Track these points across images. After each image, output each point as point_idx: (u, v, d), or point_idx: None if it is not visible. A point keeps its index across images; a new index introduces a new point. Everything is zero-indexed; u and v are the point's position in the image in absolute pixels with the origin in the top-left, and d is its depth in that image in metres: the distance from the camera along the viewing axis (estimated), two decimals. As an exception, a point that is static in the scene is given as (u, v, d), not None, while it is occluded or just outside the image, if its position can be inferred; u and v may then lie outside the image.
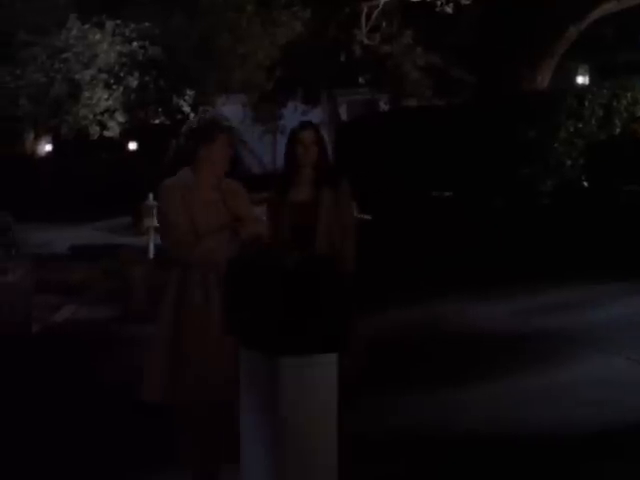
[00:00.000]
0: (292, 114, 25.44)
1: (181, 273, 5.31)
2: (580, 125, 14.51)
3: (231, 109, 29.26)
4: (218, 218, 5.38)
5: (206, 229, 5.32)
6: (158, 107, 23.86)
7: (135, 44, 22.88)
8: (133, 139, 32.01)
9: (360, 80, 23.63)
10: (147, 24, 21.66)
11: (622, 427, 6.45)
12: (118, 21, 22.78)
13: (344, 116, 30.04)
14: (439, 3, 17.41)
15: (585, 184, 13.92)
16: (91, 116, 22.93)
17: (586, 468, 5.72)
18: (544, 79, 16.10)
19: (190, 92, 22.44)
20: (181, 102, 23.53)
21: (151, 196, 18.50)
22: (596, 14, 15.76)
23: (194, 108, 25.79)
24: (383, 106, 26.36)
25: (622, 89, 14.81)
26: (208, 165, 5.45)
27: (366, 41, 18.50)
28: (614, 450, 6.05)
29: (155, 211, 18.53)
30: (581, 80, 27.00)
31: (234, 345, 4.76)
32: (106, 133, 23.55)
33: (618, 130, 14.31)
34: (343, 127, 22.66)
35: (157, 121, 25.32)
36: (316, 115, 26.11)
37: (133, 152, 33.15)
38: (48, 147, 35.25)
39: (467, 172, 15.48)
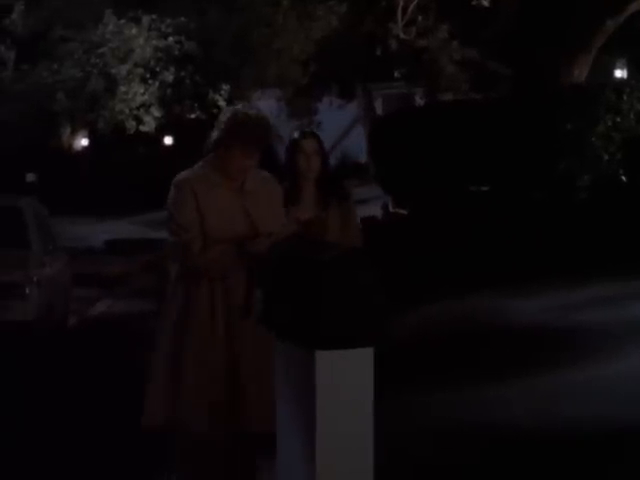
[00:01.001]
0: (327, 109, 25.50)
1: (186, 282, 4.89)
2: (618, 119, 14.37)
3: (266, 104, 29.29)
4: (233, 226, 4.79)
5: (218, 236, 4.76)
6: (194, 102, 23.99)
7: (171, 39, 23.00)
8: (169, 134, 32.14)
9: (396, 74, 23.57)
10: (183, 19, 21.74)
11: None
12: (154, 16, 22.90)
13: (379, 110, 29.98)
14: (476, -4, 17.34)
15: (623, 178, 13.79)
16: (127, 111, 23.09)
17: (621, 467, 5.67)
18: (582, 73, 15.95)
19: (226, 87, 22.52)
20: (217, 97, 23.63)
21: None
22: (634, 7, 15.59)
23: (230, 103, 25.88)
24: (419, 100, 26.28)
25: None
26: (230, 160, 4.81)
27: (402, 35, 18.42)
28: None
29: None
30: (619, 74, 26.80)
31: (241, 366, 4.80)
32: (142, 128, 23.70)
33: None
34: (379, 122, 22.58)
35: (193, 116, 25.44)
36: (351, 110, 26.14)
37: (169, 147, 33.28)
38: (85, 142, 35.47)
39: (505, 166, 15.37)
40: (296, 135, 5.68)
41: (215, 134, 4.87)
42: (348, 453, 3.65)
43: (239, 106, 4.99)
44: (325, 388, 3.60)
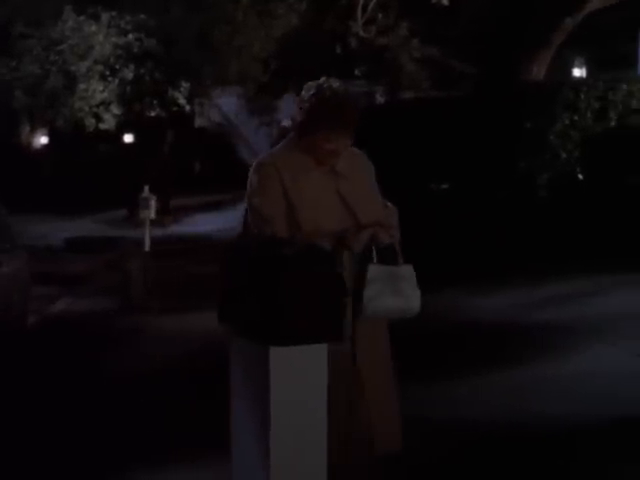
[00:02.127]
0: (288, 106, 25.45)
1: None
2: (576, 118, 14.51)
3: (227, 101, 29.30)
4: (329, 217, 4.03)
5: (311, 230, 3.97)
6: (153, 100, 23.91)
7: (131, 36, 22.90)
8: (129, 132, 32.01)
9: (356, 72, 23.62)
10: (143, 16, 21.67)
11: (621, 420, 6.46)
12: (113, 13, 22.79)
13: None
14: (436, -5, 17.44)
15: (580, 177, 13.94)
16: (87, 108, 22.97)
17: (583, 462, 5.73)
18: (540, 70, 16.10)
19: (186, 84, 22.46)
20: (176, 94, 23.56)
21: (147, 188, 18.49)
22: (593, 5, 15.76)
23: (190, 100, 25.83)
24: (379, 98, 26.37)
25: (618, 82, 14.81)
26: (318, 143, 4.05)
27: (362, 33, 18.49)
28: (612, 443, 6.05)
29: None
30: (578, 72, 27.02)
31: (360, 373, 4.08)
32: (102, 126, 23.58)
33: (613, 123, 14.30)
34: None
35: (153, 113, 25.36)
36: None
37: (129, 145, 33.15)
38: (44, 139, 35.22)
39: (465, 164, 15.48)
40: None
41: (298, 115, 4.10)
42: (302, 449, 3.66)
43: (322, 80, 4.10)
44: (280, 384, 3.62)
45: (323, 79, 4.08)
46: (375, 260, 4.00)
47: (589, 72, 26.34)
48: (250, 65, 20.30)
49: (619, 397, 6.96)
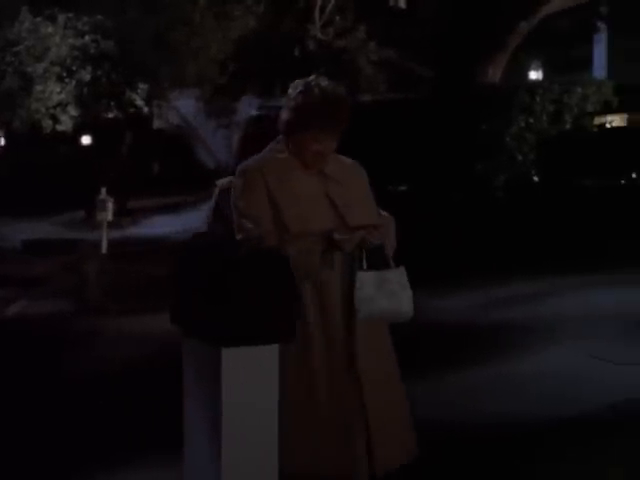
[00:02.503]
0: (246, 108, 25.44)
1: None
2: (531, 120, 14.65)
3: (185, 103, 29.18)
4: (316, 217, 3.90)
5: (298, 230, 3.86)
6: (110, 101, 23.77)
7: (87, 37, 22.77)
8: (87, 133, 31.83)
9: (314, 75, 23.64)
10: (99, 17, 21.56)
11: (572, 419, 6.53)
12: (70, 14, 22.65)
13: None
14: (392, -2, 17.54)
15: (535, 179, 14.07)
16: (43, 110, 22.78)
17: (534, 460, 5.78)
18: (496, 73, 16.23)
19: (143, 86, 22.36)
20: (134, 96, 23.45)
21: (104, 190, 18.43)
22: (548, 9, 15.91)
23: (148, 102, 25.73)
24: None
25: (573, 85, 14.97)
26: (305, 144, 3.92)
27: (320, 36, 18.54)
28: (564, 443, 6.11)
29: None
30: (534, 75, 27.27)
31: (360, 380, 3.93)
32: (58, 127, 23.42)
33: (568, 125, 14.46)
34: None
35: (110, 115, 25.21)
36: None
37: (87, 146, 32.95)
38: (1, 141, 34.93)
39: (423, 166, 15.57)
40: None
41: (285, 114, 3.94)
42: (253, 449, 3.68)
43: (311, 78, 3.95)
44: (231, 385, 3.64)
45: (312, 77, 3.96)
46: (365, 265, 3.91)
47: (545, 75, 26.59)
48: (207, 67, 20.28)
49: (571, 397, 7.04)
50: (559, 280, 11.47)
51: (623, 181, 12.61)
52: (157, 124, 31.35)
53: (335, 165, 4.04)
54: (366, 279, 3.89)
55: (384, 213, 4.16)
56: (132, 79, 22.50)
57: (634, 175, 12.45)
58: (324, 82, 3.93)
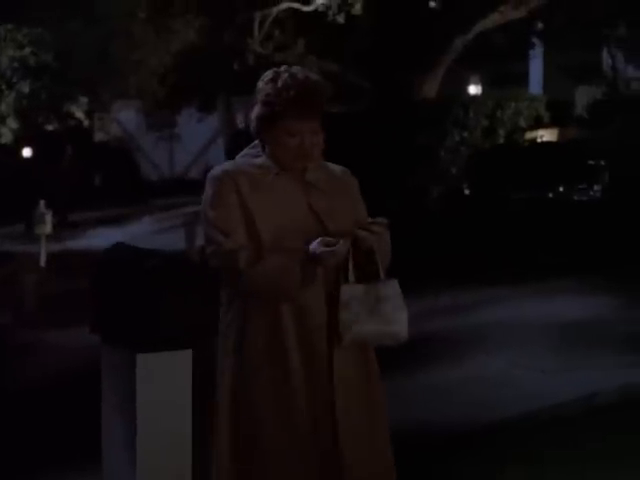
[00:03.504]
0: (187, 121, 25.55)
1: (239, 306, 3.44)
2: (465, 134, 14.91)
3: (127, 115, 29.20)
4: (296, 230, 3.40)
5: (276, 244, 3.38)
6: (50, 113, 23.73)
7: (27, 49, 22.74)
8: (28, 145, 31.66)
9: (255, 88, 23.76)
10: (39, 29, 21.55)
11: (495, 425, 6.69)
12: (10, 26, 22.62)
13: (242, 124, 30.17)
14: (330, 13, 17.72)
15: (466, 191, 14.32)
16: (-17, 122, 22.70)
17: (460, 465, 5.93)
18: (432, 87, 16.47)
19: (84, 98, 22.37)
20: (74, 108, 23.44)
21: (42, 203, 18.40)
22: (482, 25, 16.20)
23: (89, 114, 25.72)
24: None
25: (506, 100, 15.26)
26: (281, 140, 3.44)
27: (259, 49, 18.68)
28: (489, 448, 6.26)
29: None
30: (473, 90, 27.60)
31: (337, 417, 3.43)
32: (-2, 139, 23.34)
33: (502, 140, 14.74)
34: (235, 134, 22.81)
35: (51, 127, 25.17)
36: (212, 122, 26.24)
37: (28, 159, 32.75)
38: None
39: (359, 178, 15.74)
40: None
41: (255, 110, 3.50)
42: (168, 452, 3.79)
43: (282, 68, 3.52)
44: (145, 390, 3.75)
45: (283, 67, 3.53)
46: (352, 277, 3.40)
47: (484, 90, 26.93)
48: (147, 80, 20.33)
49: (493, 403, 7.21)
50: (487, 290, 11.67)
51: (551, 194, 12.90)
52: (100, 136, 31.29)
53: (320, 173, 3.54)
54: (352, 294, 3.39)
55: (380, 219, 3.54)
56: (72, 91, 22.49)
57: (561, 189, 12.75)
58: (295, 69, 3.50)
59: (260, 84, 3.50)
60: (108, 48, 20.63)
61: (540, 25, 21.42)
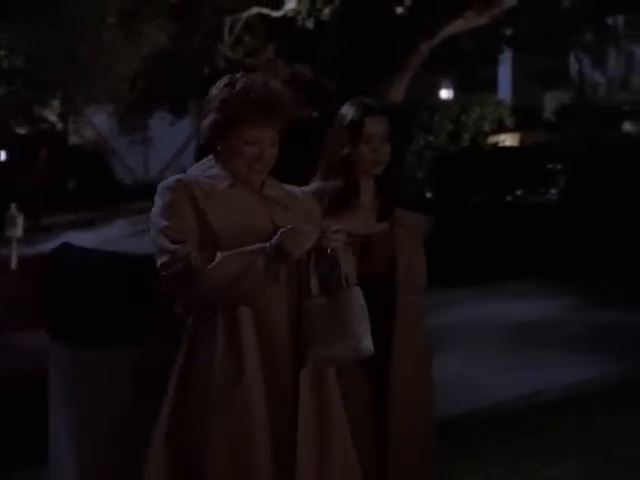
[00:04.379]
0: (159, 125, 25.63)
1: (194, 319, 3.25)
2: (431, 138, 15.11)
3: (100, 119, 29.27)
4: (255, 234, 3.19)
5: (232, 247, 3.14)
6: (22, 117, 23.82)
7: (1, 52, 22.83)
8: (1, 148, 31.69)
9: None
10: (8, 33, 21.63)
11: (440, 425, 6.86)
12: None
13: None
14: (300, 18, 17.90)
15: (428, 195, 14.51)
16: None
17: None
18: (398, 93, 16.64)
19: (55, 102, 22.45)
20: (46, 112, 23.53)
21: (13, 206, 18.49)
22: (448, 31, 16.39)
23: (62, 118, 25.79)
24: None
25: (471, 105, 15.48)
26: (235, 151, 3.25)
27: (229, 54, 18.82)
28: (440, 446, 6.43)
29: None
30: (445, 94, 27.85)
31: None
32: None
33: (466, 144, 14.96)
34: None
35: (22, 131, 25.25)
36: (185, 126, 26.35)
37: (3, 163, 32.77)
38: None
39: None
40: (353, 110, 3.80)
41: (208, 117, 3.29)
42: (111, 450, 3.92)
43: (238, 75, 3.32)
44: (88, 387, 3.90)
45: (239, 74, 3.33)
46: (315, 288, 3.21)
47: (456, 94, 27.18)
48: (117, 84, 20.45)
49: (443, 402, 7.38)
50: (447, 293, 11.86)
51: (510, 198, 13.11)
52: (73, 140, 31.35)
53: (279, 190, 3.37)
54: (314, 311, 3.17)
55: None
56: (44, 95, 22.58)
57: (519, 192, 12.97)
58: (254, 74, 3.33)
59: (214, 91, 3.30)
60: (77, 53, 20.74)
61: (509, 31, 21.69)
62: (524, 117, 17.63)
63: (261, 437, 3.13)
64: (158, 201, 3.28)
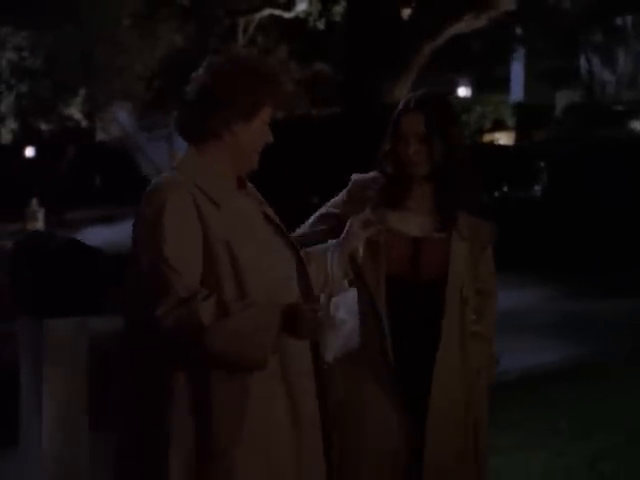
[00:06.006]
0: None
1: (194, 384, 2.63)
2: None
3: (126, 116, 29.94)
4: (285, 276, 2.75)
5: (258, 296, 2.66)
6: (48, 114, 24.51)
7: (25, 52, 23.51)
8: (29, 145, 32.43)
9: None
10: (35, 32, 22.27)
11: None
12: (9, 29, 23.41)
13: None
14: (311, 19, 18.48)
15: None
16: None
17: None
18: (402, 92, 17.09)
19: (77, 100, 23.11)
20: (71, 109, 24.23)
21: (34, 201, 19.15)
22: (452, 31, 16.85)
23: (88, 115, 26.48)
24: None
25: (473, 104, 15.93)
26: (265, 136, 2.80)
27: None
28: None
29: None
30: (462, 92, 28.25)
31: None
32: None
33: (467, 141, 15.43)
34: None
35: (48, 128, 25.95)
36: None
37: (31, 158, 33.51)
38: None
39: (333, 180, 16.39)
40: (401, 104, 3.42)
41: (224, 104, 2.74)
42: (70, 418, 4.43)
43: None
44: (51, 353, 4.48)
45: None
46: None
47: (473, 92, 27.58)
48: (133, 84, 21.07)
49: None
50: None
51: (497, 193, 13.55)
52: (101, 137, 32.04)
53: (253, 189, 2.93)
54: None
55: None
56: (63, 94, 23.24)
57: (505, 189, 13.43)
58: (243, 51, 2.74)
59: (199, 76, 2.89)
60: (94, 53, 21.39)
61: (519, 31, 22.14)
62: (531, 116, 18.02)
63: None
64: (149, 212, 2.61)
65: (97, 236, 24.51)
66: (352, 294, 3.11)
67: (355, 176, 3.52)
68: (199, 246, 2.57)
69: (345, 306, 3.05)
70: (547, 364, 8.20)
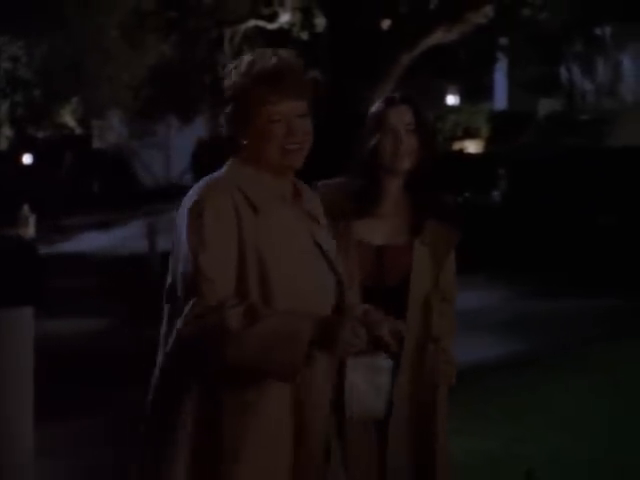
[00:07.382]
0: (167, 131, 26.71)
1: (211, 391, 2.56)
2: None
3: (121, 124, 30.39)
4: (321, 286, 2.65)
5: (292, 306, 2.56)
6: (42, 121, 24.94)
7: (21, 62, 24.01)
8: (27, 152, 32.88)
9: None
10: (19, 43, 22.71)
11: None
12: (5, 38, 23.91)
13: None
14: (295, 30, 19.00)
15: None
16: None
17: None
18: (381, 98, 17.59)
19: (68, 108, 23.57)
20: (66, 117, 24.71)
21: (26, 207, 19.57)
22: (428, 42, 17.35)
23: (83, 122, 26.95)
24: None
25: (447, 112, 16.45)
26: (270, 144, 2.64)
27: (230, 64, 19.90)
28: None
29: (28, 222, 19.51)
30: (451, 100, 28.76)
31: None
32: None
33: (440, 149, 15.96)
34: (201, 143, 23.95)
35: (43, 135, 26.39)
36: (193, 132, 27.42)
37: (28, 166, 33.93)
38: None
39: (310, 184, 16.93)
40: (377, 104, 3.44)
41: (226, 111, 2.71)
42: (9, 405, 4.91)
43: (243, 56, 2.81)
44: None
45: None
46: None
47: (461, 100, 28.07)
48: (121, 93, 21.52)
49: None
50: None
51: (459, 199, 14.05)
52: (97, 144, 32.49)
53: (310, 195, 2.80)
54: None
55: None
56: (55, 102, 23.67)
57: (467, 194, 13.94)
58: (261, 49, 2.81)
59: (225, 82, 2.76)
60: (83, 62, 21.81)
61: (504, 40, 22.64)
62: (509, 124, 18.47)
63: None
64: (191, 217, 2.54)
65: (92, 242, 25.02)
66: None
67: (321, 183, 3.41)
68: (234, 250, 2.53)
69: None
70: (492, 357, 8.71)
